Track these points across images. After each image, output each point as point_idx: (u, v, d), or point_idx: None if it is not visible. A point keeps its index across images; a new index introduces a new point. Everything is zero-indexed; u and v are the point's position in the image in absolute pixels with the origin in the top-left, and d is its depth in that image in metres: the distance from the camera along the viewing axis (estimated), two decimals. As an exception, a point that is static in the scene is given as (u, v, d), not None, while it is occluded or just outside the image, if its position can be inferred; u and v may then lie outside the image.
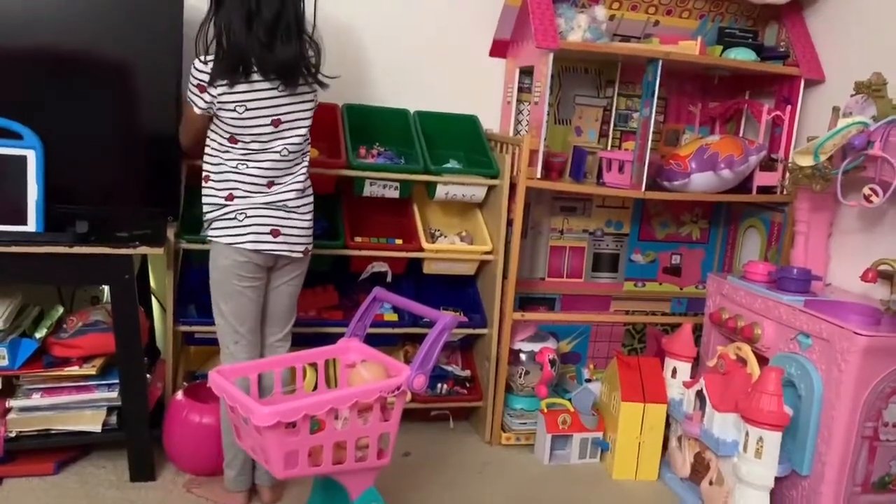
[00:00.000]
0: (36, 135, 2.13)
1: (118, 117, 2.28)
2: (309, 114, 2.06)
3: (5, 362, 2.19)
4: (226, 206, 2.02)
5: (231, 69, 1.93)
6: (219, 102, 1.96)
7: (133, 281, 2.21)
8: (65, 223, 2.16)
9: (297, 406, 1.67)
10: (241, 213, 2.01)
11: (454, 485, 2.45)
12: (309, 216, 2.12)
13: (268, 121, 1.98)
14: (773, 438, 2.10)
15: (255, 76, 1.95)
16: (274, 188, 2.04)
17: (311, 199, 2.13)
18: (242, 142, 2.00)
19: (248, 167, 2.01)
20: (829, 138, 2.29)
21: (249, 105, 1.95)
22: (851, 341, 2.04)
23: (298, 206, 2.08)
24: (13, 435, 2.21)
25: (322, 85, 2.07)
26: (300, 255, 2.11)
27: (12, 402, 2.23)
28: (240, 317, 2.08)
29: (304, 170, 2.10)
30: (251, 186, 2.02)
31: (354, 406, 1.76)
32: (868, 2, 2.58)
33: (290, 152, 2.04)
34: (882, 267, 2.25)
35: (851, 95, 2.43)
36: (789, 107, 2.77)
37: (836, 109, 2.46)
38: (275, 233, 2.04)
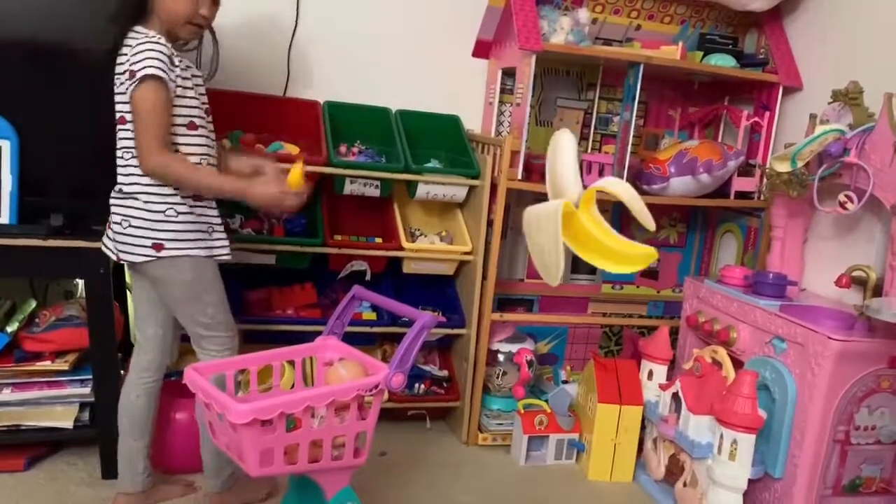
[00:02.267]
0: (10, 125, 2.10)
1: (94, 109, 2.22)
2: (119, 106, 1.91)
3: (-25, 357, 2.16)
4: None
5: None
6: None
7: (108, 275, 2.18)
8: (39, 216, 2.13)
9: (273, 403, 1.65)
10: None
11: (430, 485, 2.44)
12: (118, 219, 1.91)
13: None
14: (747, 441, 2.12)
15: None
16: None
17: (120, 202, 1.91)
18: None
19: None
20: (806, 145, 2.32)
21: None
22: (825, 346, 2.06)
23: (112, 205, 1.93)
24: (-18, 430, 2.18)
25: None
26: (112, 256, 1.97)
27: (-19, 397, 2.20)
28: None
29: (127, 170, 1.92)
30: None
31: (331, 404, 1.74)
32: (846, 11, 2.62)
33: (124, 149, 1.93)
34: (856, 273, 2.28)
35: (829, 103, 2.47)
36: (768, 113, 2.80)
37: (813, 117, 2.49)
38: (107, 227, 1.97)
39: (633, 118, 2.63)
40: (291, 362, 2.07)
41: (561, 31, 2.61)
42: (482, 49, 2.88)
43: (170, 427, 2.26)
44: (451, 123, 2.86)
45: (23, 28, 2.14)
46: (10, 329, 2.24)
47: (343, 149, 2.67)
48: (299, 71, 2.81)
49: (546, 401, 2.71)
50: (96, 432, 2.25)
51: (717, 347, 2.42)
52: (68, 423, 2.23)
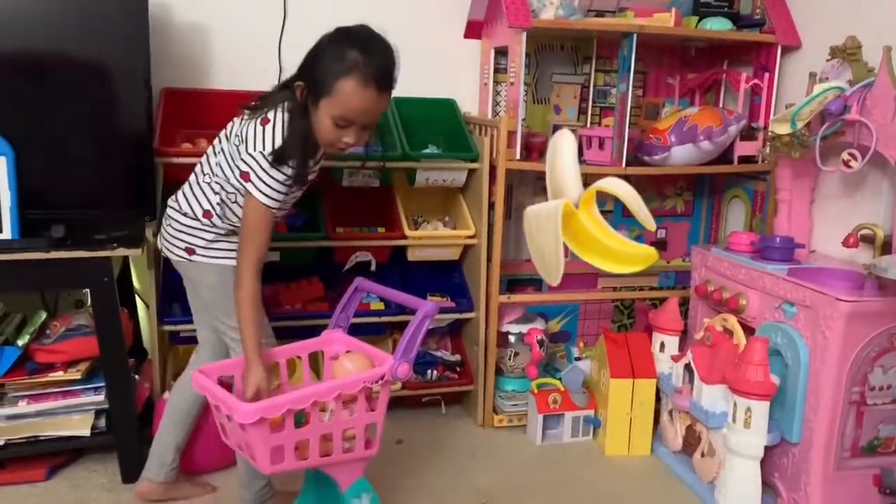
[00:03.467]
0: (6, 140, 2.11)
1: (90, 119, 2.25)
2: (225, 162, 1.90)
3: (-11, 371, 2.18)
4: None
5: None
6: None
7: (113, 283, 2.20)
8: (41, 228, 2.15)
9: (279, 401, 1.66)
10: None
11: (448, 469, 2.45)
12: (168, 220, 2.01)
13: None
14: (761, 408, 2.11)
15: None
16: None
17: (179, 211, 1.98)
18: None
19: None
20: (805, 105, 2.27)
21: None
22: (834, 307, 2.04)
23: (169, 210, 2.02)
24: (1, 443, 2.20)
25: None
26: (166, 252, 2.04)
27: (-1, 411, 2.23)
28: None
29: (187, 188, 1.99)
30: None
31: (339, 398, 1.75)
32: (841, -36, 2.56)
33: (200, 162, 1.98)
34: (863, 231, 2.25)
35: (827, 60, 2.42)
36: (767, 74, 2.75)
37: (812, 75, 2.45)
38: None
39: (630, 89, 2.60)
40: (300, 357, 2.08)
41: (550, 6, 2.58)
42: (474, 30, 2.85)
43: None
44: (446, 107, 2.84)
45: (15, 43, 2.14)
46: (20, 342, 2.27)
47: (340, 140, 2.66)
48: (291, 65, 2.78)
49: (560, 379, 2.71)
50: (113, 438, 2.28)
51: (728, 316, 2.40)
52: (85, 431, 2.26)
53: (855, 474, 2.16)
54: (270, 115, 1.81)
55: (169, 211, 2.02)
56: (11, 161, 2.11)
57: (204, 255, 1.97)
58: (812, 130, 2.33)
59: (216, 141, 1.95)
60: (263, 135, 1.79)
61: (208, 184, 1.94)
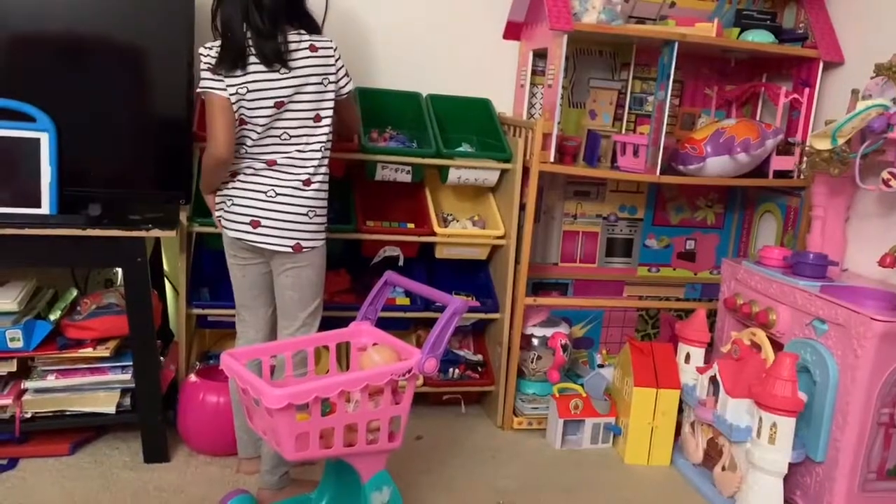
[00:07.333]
0: (49, 117, 2.14)
1: (130, 101, 2.28)
2: (312, 97, 1.99)
3: (20, 344, 2.20)
4: (224, 186, 2.06)
5: (232, 62, 1.93)
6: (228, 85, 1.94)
7: (146, 264, 2.22)
8: (78, 206, 2.18)
9: (307, 388, 1.67)
10: (229, 199, 2.03)
11: (466, 468, 2.45)
12: (301, 210, 2.00)
13: (270, 103, 1.95)
14: (787, 424, 2.09)
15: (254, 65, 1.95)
16: (272, 171, 2.00)
17: (309, 194, 2.01)
18: (252, 123, 1.97)
19: (251, 148, 2.00)
20: (847, 121, 2.25)
21: (251, 87, 1.94)
22: (868, 327, 2.01)
23: (288, 197, 1.99)
24: (29, 416, 2.23)
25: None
26: (287, 249, 2.01)
27: (27, 384, 2.25)
28: (236, 292, 2.15)
29: (313, 163, 2.01)
30: (253, 163, 2.01)
31: (365, 389, 1.75)
32: (889, -18, 2.53)
33: (290, 136, 1.99)
34: (900, 252, 2.22)
35: (871, 78, 2.39)
36: (807, 90, 2.73)
37: (855, 92, 2.42)
38: (254, 223, 1.99)
39: (668, 97, 2.58)
40: (326, 347, 2.09)
41: (592, 10, 2.57)
42: (513, 31, 2.85)
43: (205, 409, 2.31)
44: (482, 107, 2.84)
45: (60, 22, 2.17)
46: (52, 317, 2.29)
47: (374, 134, 2.67)
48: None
49: (582, 385, 2.70)
50: (138, 417, 2.30)
51: (756, 330, 2.38)
52: (111, 409, 2.28)
53: (880, 497, 2.14)
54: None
55: (311, 203, 2.01)
56: (53, 138, 2.14)
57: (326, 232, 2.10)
58: (852, 147, 2.31)
59: (315, 114, 2.01)
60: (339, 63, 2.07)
61: (321, 147, 2.03)
